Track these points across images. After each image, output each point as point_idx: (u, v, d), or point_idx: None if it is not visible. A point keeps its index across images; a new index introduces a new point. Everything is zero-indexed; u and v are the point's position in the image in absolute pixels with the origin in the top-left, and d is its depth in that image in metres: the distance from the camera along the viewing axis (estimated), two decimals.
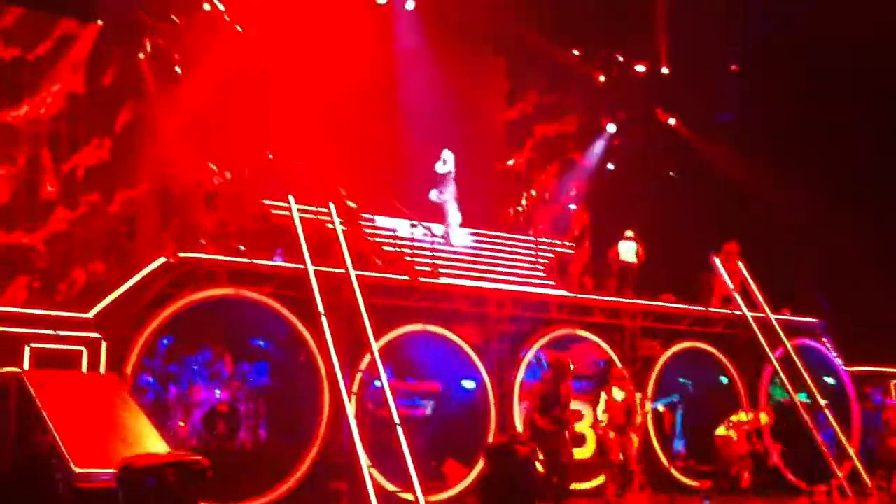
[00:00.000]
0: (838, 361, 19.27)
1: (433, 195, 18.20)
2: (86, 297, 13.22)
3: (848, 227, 21.26)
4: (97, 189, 16.88)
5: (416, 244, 16.66)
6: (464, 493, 14.43)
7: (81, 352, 11.99)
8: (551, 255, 19.01)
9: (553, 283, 17.83)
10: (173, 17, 17.76)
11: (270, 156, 16.40)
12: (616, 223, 20.03)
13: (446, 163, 18.20)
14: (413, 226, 16.96)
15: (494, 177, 21.87)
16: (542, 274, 18.23)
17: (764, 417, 17.13)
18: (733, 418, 16.69)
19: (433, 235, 16.97)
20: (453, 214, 18.02)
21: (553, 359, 14.42)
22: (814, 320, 19.27)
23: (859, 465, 17.14)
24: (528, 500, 11.40)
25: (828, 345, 19.26)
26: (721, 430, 16.65)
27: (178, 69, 17.68)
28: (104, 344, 12.16)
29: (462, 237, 18.05)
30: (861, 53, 20.98)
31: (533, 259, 18.55)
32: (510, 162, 22.33)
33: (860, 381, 19.46)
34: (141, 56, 17.49)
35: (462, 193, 18.06)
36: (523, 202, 21.92)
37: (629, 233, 18.97)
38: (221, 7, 18.22)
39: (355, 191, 17.78)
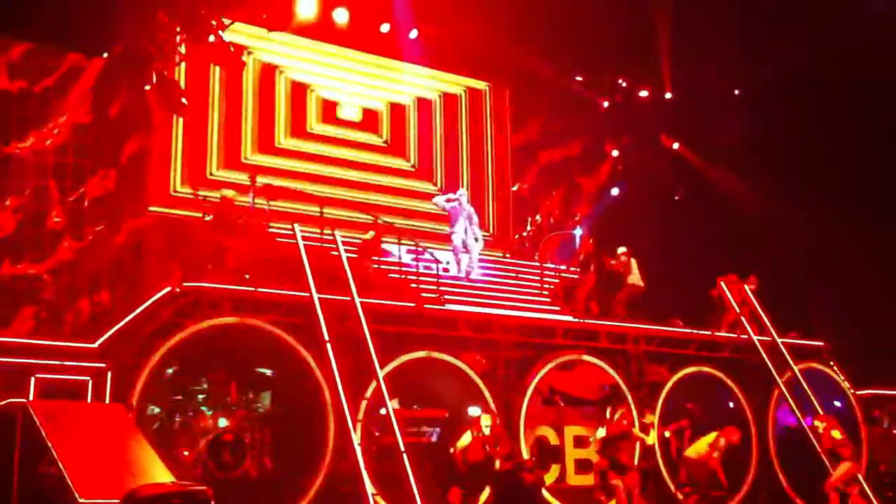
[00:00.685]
0: (846, 385, 19.19)
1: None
2: (91, 327, 13.25)
3: (856, 249, 21.24)
4: (103, 219, 16.96)
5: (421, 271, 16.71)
6: None
7: (87, 382, 12.05)
8: (556, 281, 19.03)
9: (558, 308, 17.82)
10: (180, 48, 17.85)
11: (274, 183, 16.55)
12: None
13: (457, 198, 18.01)
14: (416, 252, 16.97)
15: (500, 203, 21.88)
16: (547, 299, 18.24)
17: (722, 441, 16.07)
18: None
19: (438, 262, 16.99)
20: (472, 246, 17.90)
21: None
22: (821, 344, 19.22)
23: (867, 488, 17.01)
24: None
25: (835, 368, 19.19)
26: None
27: (184, 100, 17.77)
28: (109, 374, 12.22)
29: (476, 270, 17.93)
30: (869, 77, 21.06)
31: (538, 284, 18.56)
32: (514, 187, 22.34)
33: (868, 404, 19.38)
34: (147, 87, 17.59)
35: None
36: (528, 227, 21.99)
37: (624, 249, 18.77)
38: (227, 39, 18.33)
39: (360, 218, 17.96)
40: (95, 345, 12.36)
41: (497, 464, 14.12)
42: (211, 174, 18.05)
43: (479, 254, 18.08)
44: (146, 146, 17.35)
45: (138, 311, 12.87)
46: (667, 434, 16.61)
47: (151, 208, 16.96)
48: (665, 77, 23.84)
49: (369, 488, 12.81)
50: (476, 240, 17.86)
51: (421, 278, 16.49)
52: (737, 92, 24.35)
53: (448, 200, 18.01)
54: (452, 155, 21.28)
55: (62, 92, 17.00)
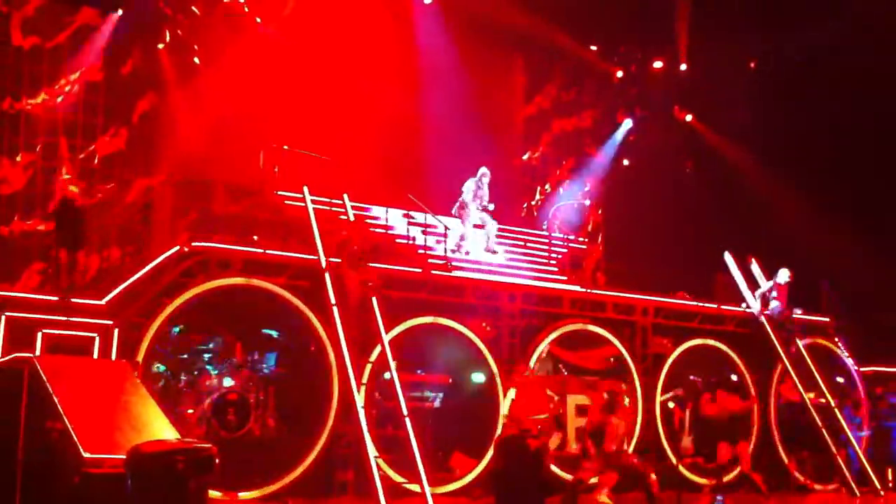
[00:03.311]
0: (850, 361, 19.22)
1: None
2: (99, 285, 13.33)
3: (865, 226, 21.17)
4: (113, 177, 17.01)
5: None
6: (471, 485, 14.49)
7: (94, 338, 12.12)
8: (564, 251, 19.04)
9: (565, 278, 17.85)
10: (193, 8, 17.82)
11: (286, 147, 16.55)
12: (630, 219, 19.93)
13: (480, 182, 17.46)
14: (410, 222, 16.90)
15: (510, 172, 21.84)
16: (554, 269, 18.27)
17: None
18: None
19: (447, 229, 16.97)
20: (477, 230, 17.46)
21: None
22: (826, 319, 19.22)
23: (867, 465, 17.13)
24: (541, 493, 11.48)
25: (840, 344, 19.21)
26: None
27: (196, 60, 17.77)
28: (116, 331, 12.30)
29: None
30: (887, 53, 20.91)
31: (546, 254, 18.59)
32: (525, 157, 22.29)
33: (872, 381, 19.42)
34: (160, 46, 17.58)
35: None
36: (538, 197, 21.97)
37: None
38: None
39: (371, 183, 17.95)
40: (103, 302, 12.43)
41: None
42: None
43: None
44: (158, 106, 17.34)
45: (146, 269, 12.95)
46: (671, 405, 16.66)
47: None
48: (680, 48, 23.68)
49: (372, 451, 12.92)
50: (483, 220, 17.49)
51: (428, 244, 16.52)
52: (752, 65, 24.17)
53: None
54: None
55: (74, 49, 16.99)
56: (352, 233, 13.89)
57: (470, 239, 17.20)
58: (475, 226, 17.35)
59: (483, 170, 17.48)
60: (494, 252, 17.34)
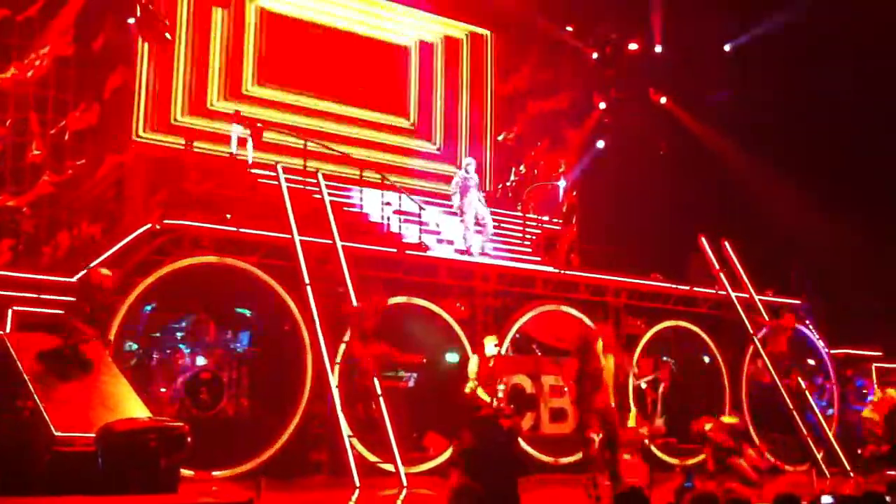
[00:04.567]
0: (820, 343, 19.37)
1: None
2: (70, 261, 13.16)
3: (837, 208, 21.30)
4: (84, 153, 16.80)
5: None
6: (444, 464, 14.47)
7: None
8: (538, 231, 19.05)
9: (539, 258, 17.85)
10: None
11: (259, 125, 16.44)
12: (605, 201, 19.92)
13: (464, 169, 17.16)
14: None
15: (485, 152, 21.77)
16: (528, 250, 18.27)
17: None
18: None
19: (422, 208, 16.93)
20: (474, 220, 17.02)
21: None
22: (797, 302, 19.35)
23: (836, 446, 17.30)
24: (513, 472, 11.49)
25: (810, 326, 19.35)
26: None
27: (167, 35, 17.54)
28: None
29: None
30: (861, 35, 20.98)
31: (520, 235, 18.57)
32: (500, 137, 22.21)
33: (842, 364, 19.58)
34: (131, 20, 17.35)
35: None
36: (512, 178, 21.94)
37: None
38: None
39: (346, 162, 17.86)
40: (74, 279, 12.28)
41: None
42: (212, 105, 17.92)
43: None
44: (130, 80, 17.11)
45: (118, 246, 12.82)
46: (643, 385, 16.71)
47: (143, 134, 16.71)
48: (656, 30, 23.67)
49: (345, 430, 12.91)
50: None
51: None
52: (727, 48, 24.22)
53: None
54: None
55: (45, 22, 16.73)
56: (365, 306, 13.75)
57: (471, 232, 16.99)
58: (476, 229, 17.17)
59: (468, 160, 17.35)
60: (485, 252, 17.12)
